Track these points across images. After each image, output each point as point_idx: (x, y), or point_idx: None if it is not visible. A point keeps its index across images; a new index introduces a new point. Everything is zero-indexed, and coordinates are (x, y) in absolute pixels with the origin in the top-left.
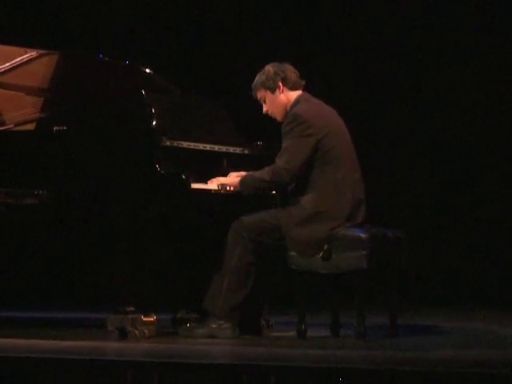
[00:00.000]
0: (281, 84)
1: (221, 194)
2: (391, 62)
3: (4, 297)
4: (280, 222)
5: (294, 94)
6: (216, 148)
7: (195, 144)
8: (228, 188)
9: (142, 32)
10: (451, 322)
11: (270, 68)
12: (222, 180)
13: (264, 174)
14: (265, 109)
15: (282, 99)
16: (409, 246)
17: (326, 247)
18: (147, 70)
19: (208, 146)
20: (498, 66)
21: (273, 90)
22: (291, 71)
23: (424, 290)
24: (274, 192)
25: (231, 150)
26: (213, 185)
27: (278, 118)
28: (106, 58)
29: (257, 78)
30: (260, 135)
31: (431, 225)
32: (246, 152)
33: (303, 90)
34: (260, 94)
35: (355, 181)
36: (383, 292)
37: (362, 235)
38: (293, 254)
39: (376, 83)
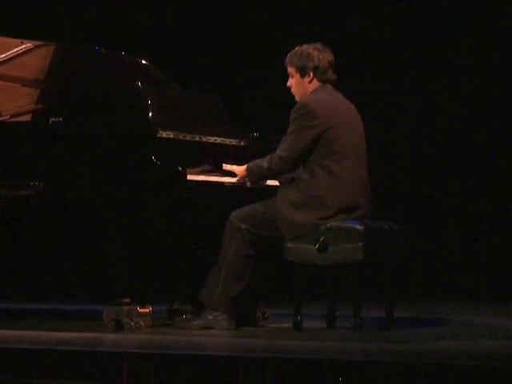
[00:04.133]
0: (312, 74)
1: (218, 186)
2: (393, 66)
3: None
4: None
5: (318, 84)
6: (212, 140)
7: (191, 135)
8: (239, 179)
9: (138, 24)
10: (447, 314)
11: (309, 51)
12: (235, 168)
13: (264, 161)
14: (289, 83)
15: (307, 86)
16: (405, 238)
17: (322, 239)
18: (143, 62)
19: (204, 138)
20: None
21: (303, 74)
22: (326, 61)
23: (420, 282)
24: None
25: (227, 141)
26: (231, 178)
27: (297, 98)
28: (103, 50)
29: (293, 53)
30: (256, 127)
31: (428, 217)
32: (242, 144)
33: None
34: (290, 70)
35: (359, 177)
36: (379, 284)
37: (358, 227)
38: (289, 245)
39: (376, 82)
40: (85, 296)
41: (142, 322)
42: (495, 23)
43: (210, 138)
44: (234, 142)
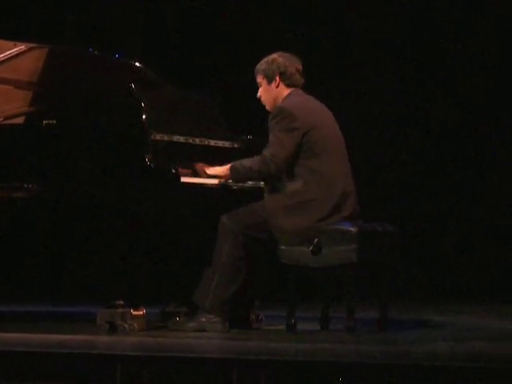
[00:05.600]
0: (278, 78)
1: (211, 188)
2: (392, 66)
3: None
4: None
5: (288, 90)
6: (206, 142)
7: (185, 138)
8: (221, 179)
9: (138, 24)
10: (441, 315)
11: (275, 57)
12: (211, 169)
13: (253, 163)
14: (259, 94)
15: (274, 92)
16: (399, 239)
17: (315, 241)
18: (137, 64)
19: (198, 140)
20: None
21: (269, 80)
22: (293, 67)
23: (414, 284)
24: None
25: (221, 143)
26: (206, 179)
27: (267, 107)
28: (96, 52)
29: (261, 63)
30: (250, 129)
31: (422, 218)
32: (236, 146)
33: (300, 88)
34: (258, 79)
35: (343, 174)
36: (373, 286)
37: (352, 229)
38: (283, 247)
39: (375, 82)
40: (78, 298)
41: (135, 325)
42: (495, 23)
43: (203, 140)
44: (227, 144)
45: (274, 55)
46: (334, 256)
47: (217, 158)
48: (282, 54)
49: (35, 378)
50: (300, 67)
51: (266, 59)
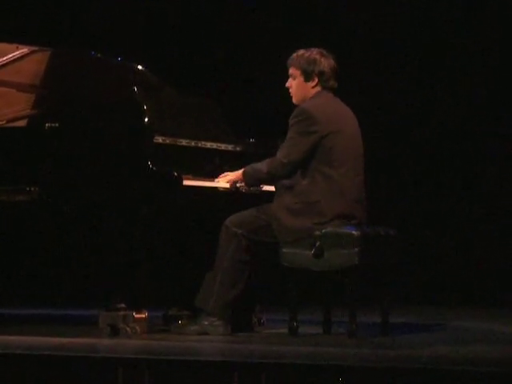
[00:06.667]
0: (316, 79)
1: (213, 192)
2: (392, 67)
3: None
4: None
5: (318, 89)
6: (208, 145)
7: (187, 141)
8: (238, 185)
9: (137, 25)
10: (443, 319)
11: (316, 57)
12: (230, 175)
13: (263, 165)
14: (289, 84)
15: (309, 90)
16: (400, 243)
17: (317, 244)
18: (139, 67)
19: (200, 143)
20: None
21: (307, 78)
22: (331, 68)
23: (416, 288)
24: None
25: (223, 146)
26: (224, 183)
27: (294, 100)
28: (99, 55)
29: (299, 55)
30: (252, 132)
31: (424, 222)
32: (238, 149)
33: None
34: (293, 71)
35: (355, 183)
36: (375, 290)
37: (354, 232)
38: (285, 251)
39: (375, 82)
40: (80, 301)
41: (137, 328)
42: (495, 23)
43: (205, 143)
44: (229, 147)
45: (316, 54)
46: (336, 259)
47: (218, 161)
48: (324, 54)
49: (36, 382)
50: (336, 68)
51: (307, 55)
